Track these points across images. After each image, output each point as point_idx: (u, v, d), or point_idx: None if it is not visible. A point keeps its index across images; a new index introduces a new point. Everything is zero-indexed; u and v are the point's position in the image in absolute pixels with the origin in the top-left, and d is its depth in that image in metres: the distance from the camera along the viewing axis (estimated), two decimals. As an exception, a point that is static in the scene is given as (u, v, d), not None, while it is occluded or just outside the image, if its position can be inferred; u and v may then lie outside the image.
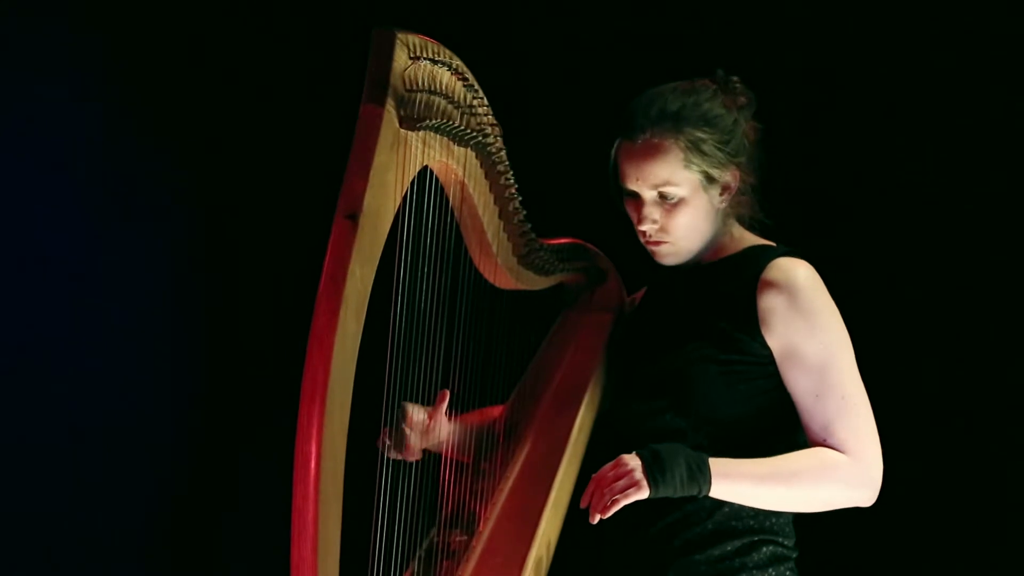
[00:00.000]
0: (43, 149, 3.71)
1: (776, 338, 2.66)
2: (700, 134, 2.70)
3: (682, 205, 2.73)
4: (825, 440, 2.62)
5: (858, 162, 3.71)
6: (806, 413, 2.64)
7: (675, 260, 2.79)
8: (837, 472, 2.60)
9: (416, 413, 2.77)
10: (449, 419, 2.80)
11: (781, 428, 2.68)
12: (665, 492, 2.53)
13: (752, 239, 2.82)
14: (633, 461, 2.53)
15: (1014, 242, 3.62)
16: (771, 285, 2.67)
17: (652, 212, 2.75)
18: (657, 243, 2.77)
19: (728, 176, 2.74)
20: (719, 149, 2.72)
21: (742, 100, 2.78)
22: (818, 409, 2.63)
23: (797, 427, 2.68)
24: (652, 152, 2.71)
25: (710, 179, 2.73)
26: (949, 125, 3.64)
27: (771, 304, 2.67)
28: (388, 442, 2.69)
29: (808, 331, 2.65)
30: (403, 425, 2.75)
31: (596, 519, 2.53)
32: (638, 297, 3.05)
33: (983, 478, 3.66)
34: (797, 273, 2.69)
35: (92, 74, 3.76)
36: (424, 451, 2.76)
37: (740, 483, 2.58)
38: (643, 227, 2.75)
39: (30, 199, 3.70)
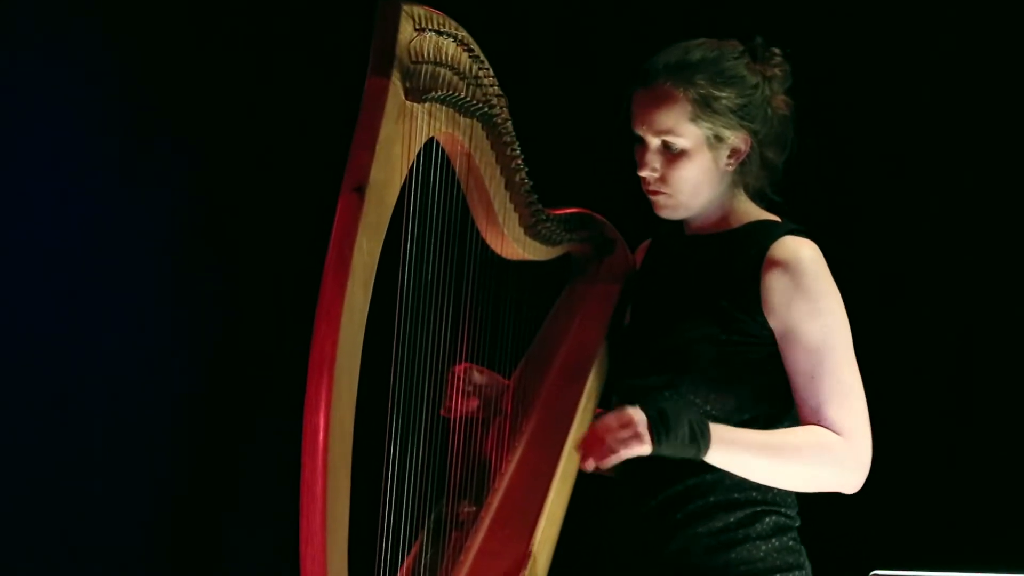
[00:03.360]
0: (43, 133, 3.71)
1: (777, 318, 2.65)
2: (713, 90, 2.68)
3: (684, 158, 2.71)
4: (818, 422, 2.61)
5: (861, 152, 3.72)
6: (800, 393, 2.63)
7: (672, 214, 2.77)
8: (832, 452, 2.59)
9: (475, 371, 2.81)
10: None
11: (780, 409, 2.68)
12: (666, 450, 2.52)
13: (758, 213, 2.79)
14: (638, 415, 2.52)
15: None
16: (776, 264, 2.66)
17: (653, 160, 2.73)
18: (655, 192, 2.75)
19: (739, 140, 2.72)
20: (731, 110, 2.69)
21: (774, 71, 2.74)
22: (812, 390, 2.62)
23: (781, 408, 2.69)
24: (660, 99, 2.69)
25: (718, 138, 2.70)
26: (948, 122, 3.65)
27: (774, 284, 2.66)
28: (452, 405, 2.71)
29: (809, 313, 2.63)
30: (464, 380, 2.76)
31: (591, 467, 2.52)
32: (640, 252, 3.03)
33: (988, 456, 3.68)
34: (802, 254, 2.67)
35: (92, 50, 3.76)
36: (439, 419, 2.75)
37: (738, 450, 2.57)
38: (642, 173, 2.74)
39: (28, 188, 3.71)
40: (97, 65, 3.79)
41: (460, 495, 2.72)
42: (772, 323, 2.65)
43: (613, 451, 2.51)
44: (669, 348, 2.73)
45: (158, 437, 3.95)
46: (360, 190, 2.20)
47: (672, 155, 2.71)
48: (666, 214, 2.77)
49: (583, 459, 2.54)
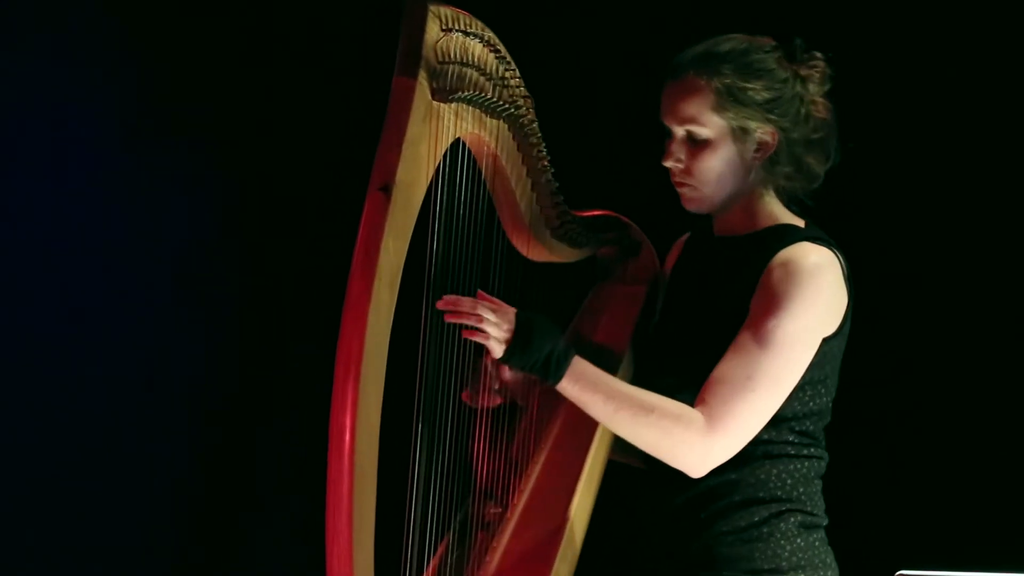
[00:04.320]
0: (66, 129, 3.73)
1: (753, 303, 2.64)
2: (739, 80, 2.66)
3: (707, 149, 2.69)
4: (704, 392, 2.59)
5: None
6: (719, 362, 2.61)
7: (698, 207, 2.76)
8: (684, 431, 2.56)
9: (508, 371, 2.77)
10: None
11: (793, 411, 2.67)
12: (514, 364, 2.53)
13: (785, 216, 2.77)
14: (510, 320, 2.51)
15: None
16: (777, 265, 2.64)
17: (678, 150, 2.72)
18: (680, 184, 2.74)
19: (766, 134, 2.69)
20: (758, 102, 2.67)
21: (810, 71, 2.72)
22: (723, 367, 2.60)
23: (809, 411, 2.67)
24: (685, 89, 2.68)
25: (743, 130, 2.68)
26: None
27: (767, 280, 2.64)
28: (473, 393, 2.70)
29: (775, 307, 2.60)
30: (492, 369, 2.75)
31: (448, 309, 2.47)
32: (676, 247, 3.02)
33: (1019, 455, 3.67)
34: (806, 259, 2.64)
35: (115, 50, 3.78)
36: (465, 420, 2.74)
37: (590, 391, 2.55)
38: (666, 163, 2.73)
39: (47, 186, 3.73)
40: (118, 65, 3.81)
41: (486, 496, 2.71)
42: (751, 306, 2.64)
43: (473, 321, 2.47)
44: (682, 350, 2.73)
45: (182, 437, 3.96)
46: (387, 190, 2.21)
47: (696, 146, 2.70)
48: (692, 207, 2.76)
49: (441, 303, 2.46)
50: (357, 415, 2.15)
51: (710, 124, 2.68)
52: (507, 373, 2.75)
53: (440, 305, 2.46)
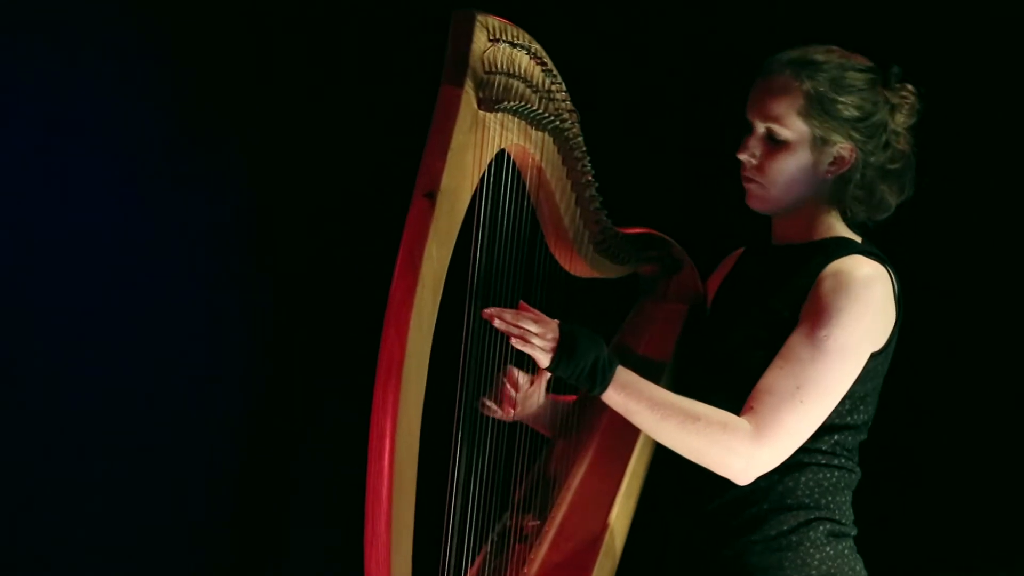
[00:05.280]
0: (102, 132, 3.76)
1: (803, 312, 2.64)
2: (831, 91, 2.66)
3: (785, 151, 2.70)
4: (752, 399, 2.59)
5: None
6: (765, 372, 2.61)
7: (761, 205, 2.76)
8: (731, 439, 2.56)
9: (520, 375, 2.78)
10: (547, 393, 2.84)
11: (829, 422, 2.65)
12: (561, 373, 2.52)
13: (843, 230, 2.77)
14: (554, 330, 2.51)
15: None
16: (829, 275, 2.64)
17: (755, 146, 2.72)
18: (749, 180, 2.74)
19: (845, 150, 2.69)
20: (845, 118, 2.67)
21: (901, 101, 2.71)
22: (771, 375, 2.60)
23: (845, 424, 2.67)
24: (776, 87, 2.69)
25: (824, 140, 2.68)
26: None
27: (818, 290, 2.64)
28: (488, 402, 2.70)
29: (826, 317, 2.60)
30: (505, 380, 2.75)
31: (492, 319, 2.48)
32: (731, 260, 3.02)
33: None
34: (859, 271, 2.64)
35: (154, 52, 3.80)
36: (505, 429, 2.75)
37: (636, 399, 2.55)
38: (741, 156, 2.72)
39: (86, 180, 3.74)
40: (158, 66, 3.83)
41: (525, 508, 2.72)
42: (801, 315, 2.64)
43: (517, 335, 2.49)
44: (720, 354, 2.74)
45: (222, 438, 3.97)
46: (431, 196, 2.23)
47: (774, 146, 2.70)
48: (755, 204, 2.76)
49: (486, 313, 2.48)
50: (398, 419, 2.16)
51: (793, 127, 2.69)
52: (522, 379, 2.75)
53: (484, 314, 2.48)
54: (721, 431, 2.56)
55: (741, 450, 2.56)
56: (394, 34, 3.92)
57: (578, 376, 2.53)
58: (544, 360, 2.52)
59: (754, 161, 2.72)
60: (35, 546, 3.76)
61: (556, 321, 2.53)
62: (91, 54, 3.71)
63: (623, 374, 2.56)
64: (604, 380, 2.54)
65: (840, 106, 2.67)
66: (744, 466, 2.58)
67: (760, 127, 2.70)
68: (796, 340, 2.61)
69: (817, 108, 2.67)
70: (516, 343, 2.50)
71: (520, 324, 2.50)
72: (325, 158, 3.93)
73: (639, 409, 2.56)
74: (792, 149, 2.69)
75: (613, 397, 2.56)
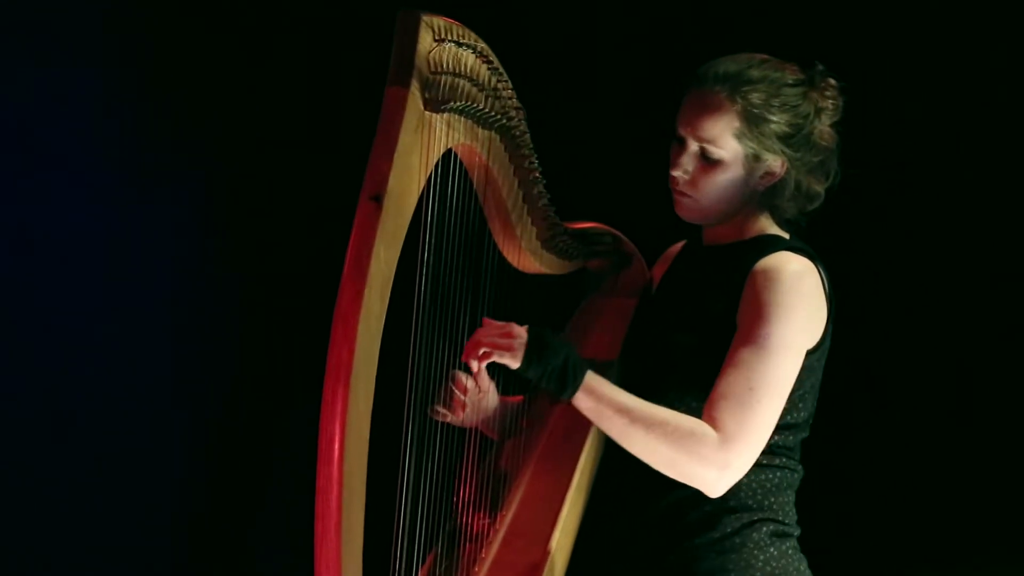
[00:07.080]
0: (67, 134, 3.74)
1: (740, 314, 2.65)
2: (766, 112, 2.67)
3: (719, 168, 2.70)
4: (710, 409, 2.59)
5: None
6: (717, 380, 2.61)
7: (691, 216, 2.77)
8: (698, 446, 2.55)
9: (468, 380, 2.76)
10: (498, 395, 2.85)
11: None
12: (532, 374, 2.54)
13: (771, 228, 2.79)
14: (522, 334, 2.54)
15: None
16: (758, 272, 2.66)
17: (688, 163, 2.72)
18: (682, 194, 2.75)
19: (776, 165, 2.71)
20: (778, 135, 2.69)
21: (828, 103, 2.73)
22: (723, 382, 2.60)
23: (784, 423, 2.67)
24: (711, 107, 2.68)
25: (756, 158, 2.69)
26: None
27: (750, 289, 2.66)
28: (440, 408, 2.69)
29: (763, 315, 2.61)
30: (452, 386, 2.74)
31: (472, 364, 2.54)
32: (672, 252, 3.03)
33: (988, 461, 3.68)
34: (788, 266, 2.66)
35: (111, 54, 3.79)
36: (454, 430, 2.74)
37: (604, 404, 2.56)
38: (674, 173, 2.73)
39: (51, 187, 3.73)
40: (113, 69, 3.82)
41: (474, 507, 2.72)
42: (738, 319, 2.65)
43: (484, 350, 2.53)
44: (660, 355, 2.75)
45: (173, 445, 3.96)
46: (378, 199, 2.21)
47: (708, 163, 2.71)
48: (685, 215, 2.77)
49: (464, 355, 2.54)
50: (347, 423, 2.15)
51: (728, 147, 2.69)
52: (466, 383, 2.75)
53: (472, 364, 2.54)
54: (688, 437, 2.55)
55: (712, 458, 2.56)
56: (338, 36, 3.91)
57: (548, 377, 2.53)
58: (515, 362, 2.53)
59: (687, 177, 2.72)
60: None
61: (514, 325, 2.54)
62: (70, 57, 3.71)
63: (593, 378, 2.56)
64: (575, 381, 2.54)
65: (774, 125, 2.68)
66: (717, 475, 2.57)
67: (693, 144, 2.70)
68: (739, 343, 2.62)
69: (752, 129, 2.67)
70: (485, 358, 2.53)
71: (483, 339, 2.53)
72: (270, 163, 3.92)
73: (609, 414, 2.56)
74: (726, 167, 2.70)
75: (581, 401, 2.56)
